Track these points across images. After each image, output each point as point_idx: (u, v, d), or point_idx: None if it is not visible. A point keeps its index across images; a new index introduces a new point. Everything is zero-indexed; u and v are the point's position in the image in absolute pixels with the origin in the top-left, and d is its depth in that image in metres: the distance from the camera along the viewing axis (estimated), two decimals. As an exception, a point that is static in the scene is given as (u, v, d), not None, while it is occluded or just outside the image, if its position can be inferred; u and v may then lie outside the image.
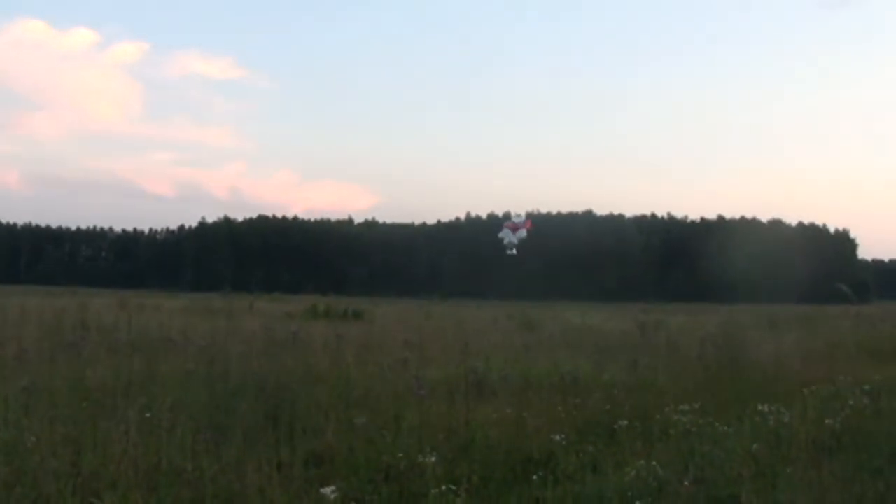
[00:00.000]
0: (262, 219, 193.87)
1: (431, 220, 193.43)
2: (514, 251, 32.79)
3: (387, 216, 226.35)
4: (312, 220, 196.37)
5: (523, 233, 32.17)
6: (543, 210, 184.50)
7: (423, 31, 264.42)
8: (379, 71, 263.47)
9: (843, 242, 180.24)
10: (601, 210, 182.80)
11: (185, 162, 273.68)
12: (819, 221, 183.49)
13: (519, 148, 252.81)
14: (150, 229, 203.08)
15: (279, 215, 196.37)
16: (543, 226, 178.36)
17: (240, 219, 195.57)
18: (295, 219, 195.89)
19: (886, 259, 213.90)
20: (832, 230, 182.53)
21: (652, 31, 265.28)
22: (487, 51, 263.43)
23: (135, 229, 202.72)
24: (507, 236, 32.37)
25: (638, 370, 15.51)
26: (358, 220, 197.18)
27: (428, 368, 15.42)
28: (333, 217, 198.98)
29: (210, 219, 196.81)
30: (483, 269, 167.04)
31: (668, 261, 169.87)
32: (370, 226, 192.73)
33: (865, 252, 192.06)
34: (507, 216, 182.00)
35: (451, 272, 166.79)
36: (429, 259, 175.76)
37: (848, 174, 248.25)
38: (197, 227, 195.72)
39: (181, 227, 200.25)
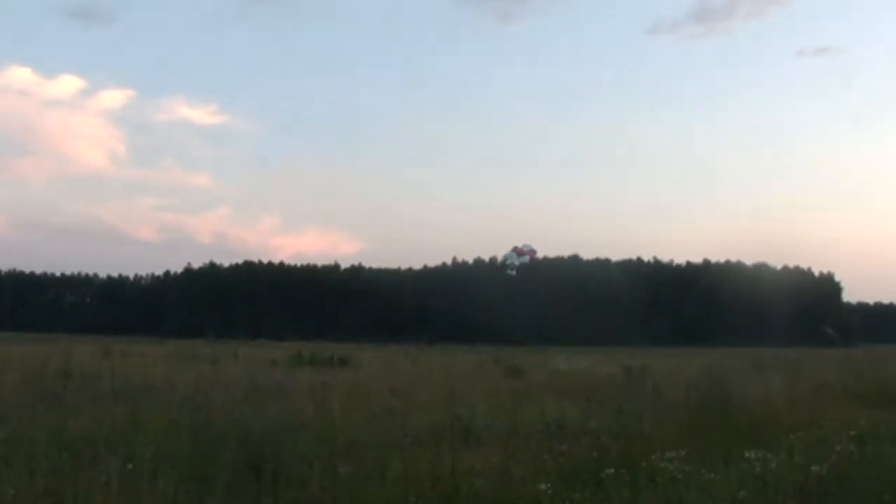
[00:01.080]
0: (248, 264, 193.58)
1: (418, 266, 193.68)
2: (514, 272, 33.17)
3: (373, 262, 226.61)
4: (298, 265, 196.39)
5: (527, 259, 32.48)
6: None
7: (406, 77, 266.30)
8: (363, 117, 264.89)
9: (828, 286, 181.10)
10: (587, 254, 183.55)
11: (170, 207, 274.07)
12: (804, 265, 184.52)
13: (505, 192, 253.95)
14: (136, 275, 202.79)
15: (265, 261, 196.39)
16: (530, 270, 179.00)
17: (225, 264, 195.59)
18: (281, 264, 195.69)
19: (871, 302, 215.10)
20: (817, 273, 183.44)
21: (640, 79, 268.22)
22: (473, 94, 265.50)
23: (120, 275, 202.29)
24: (511, 258, 32.69)
25: (624, 416, 15.44)
26: (344, 265, 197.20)
27: (414, 416, 15.32)
28: (320, 263, 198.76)
29: (196, 264, 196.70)
30: (470, 314, 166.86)
31: (654, 305, 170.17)
32: (357, 271, 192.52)
33: (851, 295, 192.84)
34: (493, 260, 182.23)
35: (438, 317, 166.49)
36: (416, 304, 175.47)
37: (833, 218, 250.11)
38: (182, 273, 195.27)
39: (167, 273, 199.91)
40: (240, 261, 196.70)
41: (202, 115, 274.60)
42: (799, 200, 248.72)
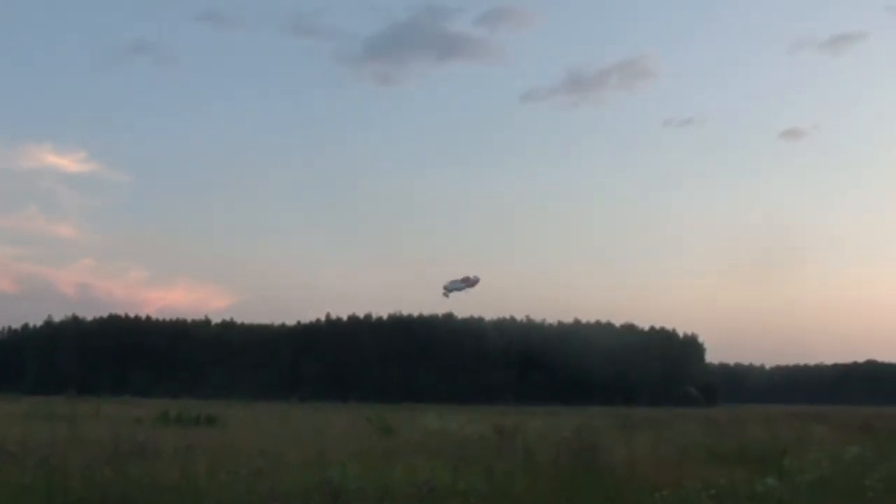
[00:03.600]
0: (114, 318, 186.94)
1: (291, 322, 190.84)
2: (447, 295, 33.20)
3: (245, 317, 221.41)
4: (167, 320, 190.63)
5: (462, 285, 32.65)
6: (404, 313, 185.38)
7: (281, 130, 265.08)
8: (237, 170, 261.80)
9: (691, 347, 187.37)
10: (461, 313, 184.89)
11: (31, 257, 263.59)
12: (669, 326, 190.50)
13: (380, 251, 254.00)
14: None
15: (131, 314, 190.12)
16: (404, 329, 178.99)
17: (89, 318, 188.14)
18: (148, 319, 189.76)
19: (732, 363, 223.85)
20: (681, 335, 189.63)
21: (513, 142, 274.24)
22: (346, 152, 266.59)
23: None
24: (452, 285, 32.76)
25: (494, 477, 15.51)
26: (215, 320, 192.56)
27: (283, 478, 15.00)
28: (189, 317, 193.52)
29: (57, 317, 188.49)
30: (343, 373, 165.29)
31: (527, 363, 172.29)
32: (228, 327, 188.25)
33: (712, 356, 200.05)
34: (367, 316, 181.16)
35: (310, 374, 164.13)
36: (288, 361, 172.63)
37: (697, 280, 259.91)
38: (42, 326, 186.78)
39: (25, 326, 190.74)
40: (104, 314, 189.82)
41: (69, 162, 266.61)
42: (664, 263, 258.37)
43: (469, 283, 33.16)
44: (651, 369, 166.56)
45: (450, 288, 33.41)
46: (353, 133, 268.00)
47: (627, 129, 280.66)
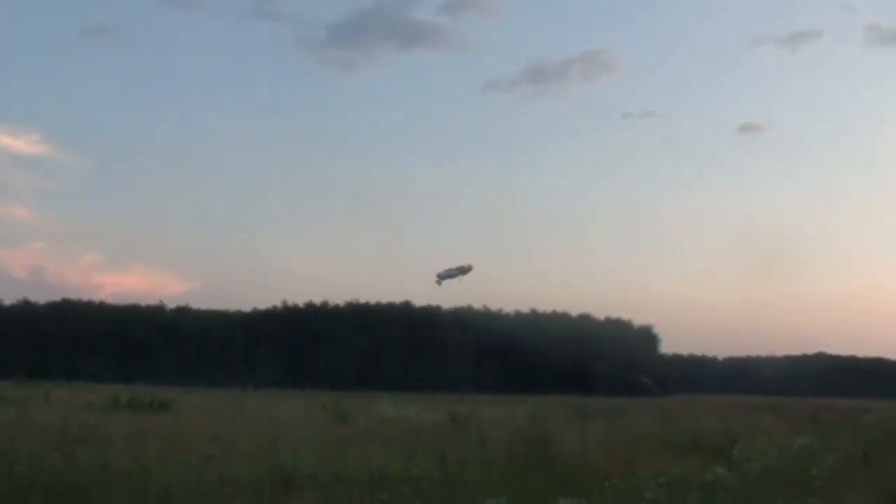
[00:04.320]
0: (66, 302, 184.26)
1: (247, 308, 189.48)
2: (440, 283, 33.06)
3: (200, 303, 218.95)
4: (121, 305, 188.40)
5: (456, 273, 32.54)
6: (362, 300, 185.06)
7: (242, 114, 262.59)
8: (191, 152, 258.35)
9: (646, 337, 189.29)
10: (419, 301, 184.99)
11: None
12: (625, 317, 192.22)
13: (338, 237, 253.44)
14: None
15: (84, 299, 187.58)
16: (361, 317, 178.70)
17: (41, 301, 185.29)
18: (102, 303, 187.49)
19: (685, 353, 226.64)
20: (636, 325, 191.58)
21: (475, 133, 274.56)
22: (311, 139, 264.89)
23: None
24: (446, 273, 32.63)
25: (448, 463, 15.55)
26: (170, 306, 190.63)
27: (235, 464, 14.91)
28: (144, 302, 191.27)
29: (7, 301, 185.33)
30: (299, 359, 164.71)
31: (484, 352, 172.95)
32: (183, 312, 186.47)
33: (667, 347, 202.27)
34: (324, 304, 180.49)
35: (266, 361, 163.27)
36: (244, 348, 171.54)
37: (653, 271, 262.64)
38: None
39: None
40: (57, 298, 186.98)
41: (23, 144, 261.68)
42: (620, 254, 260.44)
43: (463, 270, 33.14)
44: (606, 359, 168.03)
45: (443, 276, 33.30)
46: (315, 119, 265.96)
47: (588, 121, 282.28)
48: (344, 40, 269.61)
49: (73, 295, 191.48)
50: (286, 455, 14.98)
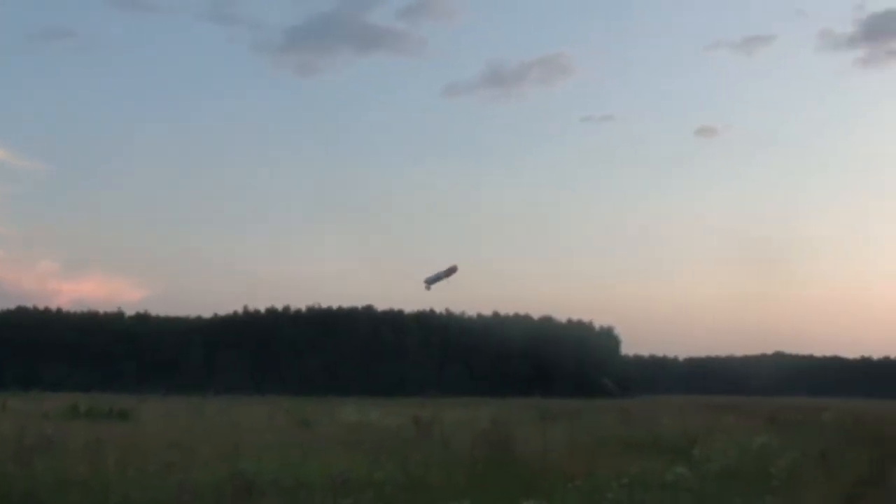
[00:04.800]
0: (22, 310, 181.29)
1: (207, 314, 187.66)
2: (429, 288, 32.94)
3: (159, 309, 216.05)
4: (78, 312, 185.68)
5: (443, 276, 32.47)
6: (324, 305, 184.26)
7: (199, 119, 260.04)
8: (147, 157, 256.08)
9: (608, 339, 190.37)
10: (381, 305, 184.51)
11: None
12: (586, 318, 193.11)
13: (299, 241, 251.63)
14: None
15: (41, 307, 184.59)
16: (323, 321, 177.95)
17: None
18: (58, 311, 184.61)
19: (646, 355, 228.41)
20: (598, 327, 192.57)
21: (433, 136, 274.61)
22: (269, 144, 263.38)
23: None
24: (435, 277, 32.51)
25: (411, 467, 15.53)
26: (129, 313, 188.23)
27: (195, 471, 14.75)
28: (102, 310, 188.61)
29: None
30: (261, 365, 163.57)
31: (446, 355, 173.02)
32: (142, 319, 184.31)
33: (628, 348, 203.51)
34: (286, 308, 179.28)
35: (227, 367, 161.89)
36: (204, 354, 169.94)
37: (613, 273, 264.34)
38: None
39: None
40: (12, 306, 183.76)
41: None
42: (581, 256, 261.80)
43: (449, 272, 33.14)
44: (568, 361, 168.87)
45: (431, 280, 33.23)
46: (272, 123, 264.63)
47: (547, 125, 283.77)
48: (301, 44, 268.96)
49: (29, 302, 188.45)
50: (247, 461, 14.87)
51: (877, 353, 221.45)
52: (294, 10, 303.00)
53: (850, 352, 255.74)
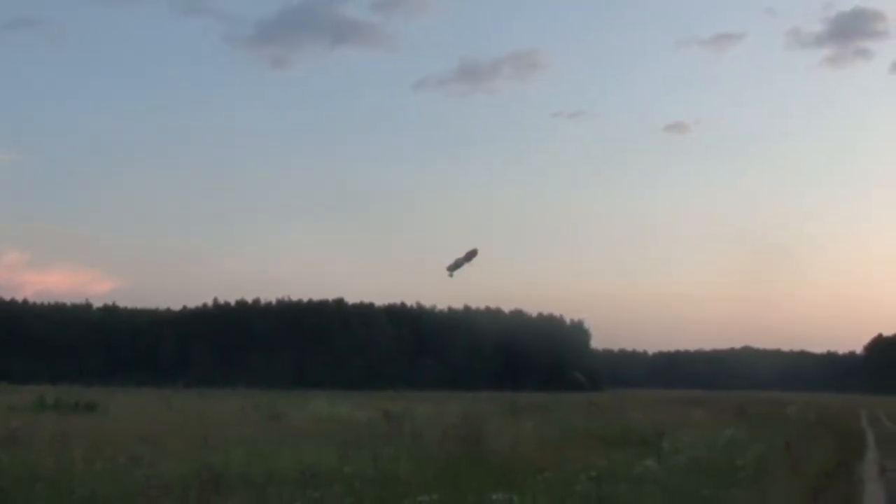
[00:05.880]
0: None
1: (177, 307, 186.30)
2: (451, 275, 32.70)
3: (127, 301, 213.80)
4: (46, 304, 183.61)
5: (464, 261, 32.26)
6: (294, 298, 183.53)
7: (170, 111, 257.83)
8: (116, 149, 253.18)
9: (578, 333, 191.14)
10: (352, 298, 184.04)
11: None
12: (557, 312, 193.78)
13: (270, 233, 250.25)
14: None
15: (7, 298, 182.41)
16: (294, 315, 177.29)
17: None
18: (25, 302, 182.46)
19: (616, 349, 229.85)
20: (568, 321, 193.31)
21: (404, 130, 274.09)
22: (239, 137, 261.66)
23: None
24: (456, 263, 32.24)
25: (381, 461, 15.53)
26: (97, 304, 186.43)
27: (163, 465, 14.68)
28: (70, 301, 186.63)
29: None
30: (231, 359, 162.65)
31: (417, 349, 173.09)
32: (110, 311, 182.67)
33: (598, 342, 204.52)
34: (256, 301, 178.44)
35: (197, 361, 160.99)
36: (174, 347, 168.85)
37: (583, 269, 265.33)
38: None
39: None
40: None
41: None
42: (552, 250, 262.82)
43: (469, 256, 33.01)
44: (539, 355, 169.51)
45: (453, 267, 33.04)
46: (243, 116, 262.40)
47: (518, 120, 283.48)
48: (273, 37, 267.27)
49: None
50: (216, 454, 14.80)
51: (842, 349, 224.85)
52: (266, 2, 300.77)
53: (817, 346, 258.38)
